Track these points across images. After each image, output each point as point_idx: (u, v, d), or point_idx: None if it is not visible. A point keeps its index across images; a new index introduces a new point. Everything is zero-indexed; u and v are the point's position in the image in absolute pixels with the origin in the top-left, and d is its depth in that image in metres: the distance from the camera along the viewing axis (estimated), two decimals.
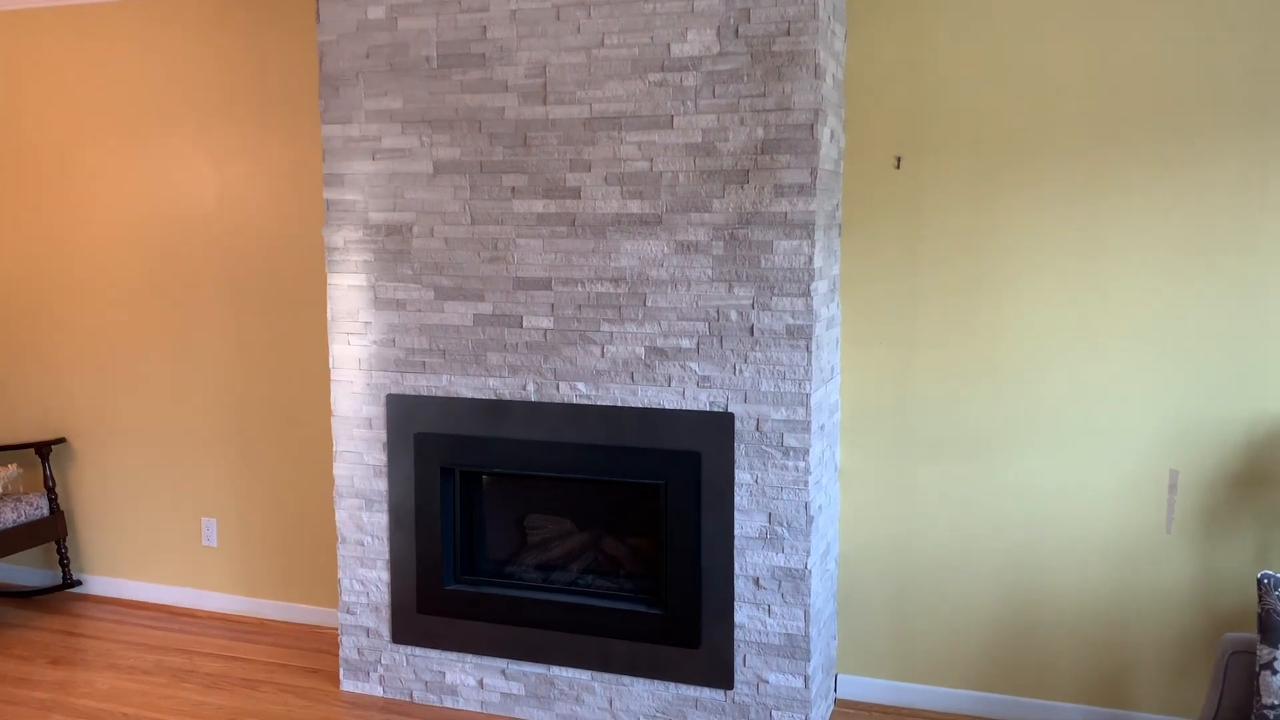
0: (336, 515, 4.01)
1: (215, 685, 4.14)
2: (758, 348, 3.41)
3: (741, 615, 3.54)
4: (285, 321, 4.60)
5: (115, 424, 4.96)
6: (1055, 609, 3.71)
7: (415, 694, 3.98)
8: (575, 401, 3.64)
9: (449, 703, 3.93)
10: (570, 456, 3.66)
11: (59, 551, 5.01)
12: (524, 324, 3.68)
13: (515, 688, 3.85)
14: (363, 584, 4.01)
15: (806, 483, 3.42)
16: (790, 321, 3.37)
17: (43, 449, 4.96)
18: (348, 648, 4.07)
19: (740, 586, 3.52)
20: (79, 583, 5.08)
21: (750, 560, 3.50)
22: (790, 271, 3.36)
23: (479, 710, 3.90)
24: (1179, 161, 3.46)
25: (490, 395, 3.75)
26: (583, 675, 3.75)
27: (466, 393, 3.78)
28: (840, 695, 3.96)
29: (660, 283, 3.50)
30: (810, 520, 3.44)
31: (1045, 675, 3.75)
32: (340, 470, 3.99)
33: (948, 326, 3.72)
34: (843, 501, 3.90)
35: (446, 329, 3.78)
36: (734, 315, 3.43)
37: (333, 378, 3.96)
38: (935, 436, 3.77)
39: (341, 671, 4.09)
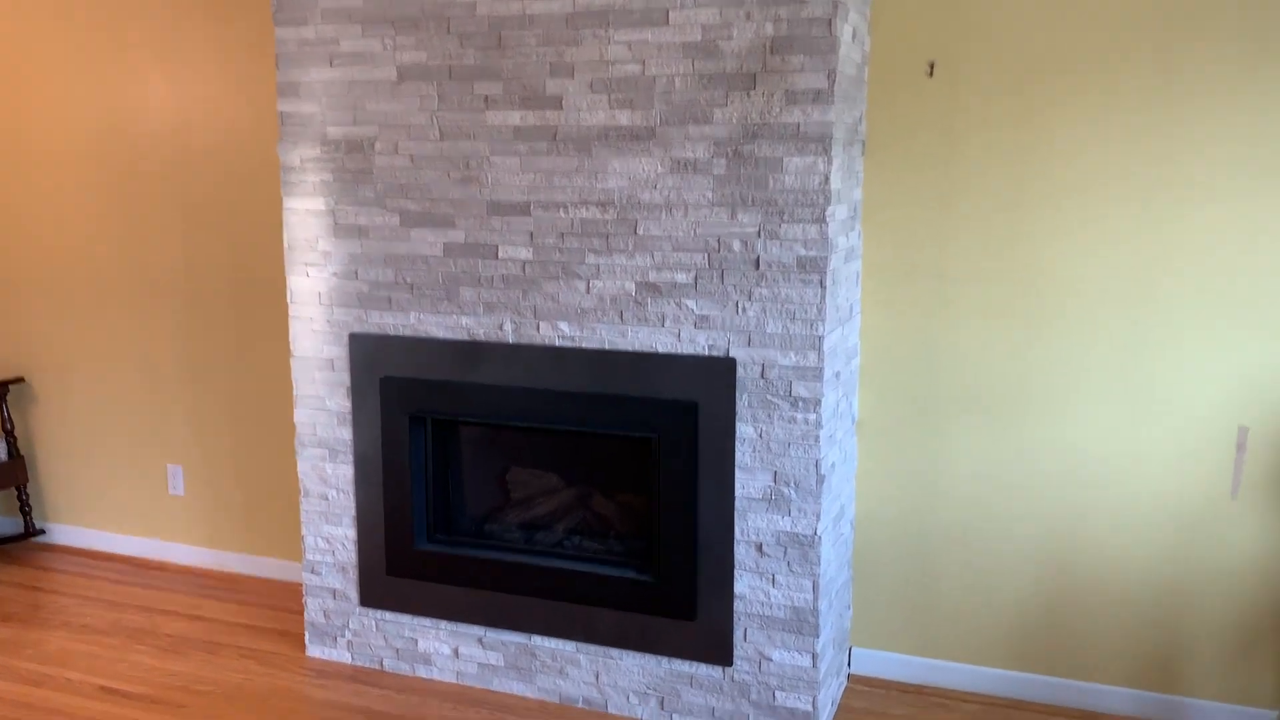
0: (298, 466, 3.63)
1: (173, 648, 3.80)
2: (764, 283, 2.96)
3: (742, 585, 3.13)
4: (247, 251, 4.18)
5: (76, 362, 4.59)
6: (1100, 581, 3.28)
7: (386, 662, 3.62)
8: (558, 344, 3.21)
9: (422, 672, 3.57)
10: (552, 405, 3.24)
11: (20, 498, 4.68)
12: (500, 255, 3.24)
13: (494, 658, 3.48)
14: (328, 542, 3.64)
15: (818, 438, 2.98)
16: (802, 253, 2.91)
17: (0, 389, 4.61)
18: (313, 610, 3.71)
19: (741, 553, 3.11)
20: (41, 532, 4.75)
21: (753, 524, 3.09)
22: (803, 194, 2.88)
23: (454, 681, 3.54)
24: (1270, 67, 2.93)
25: (463, 335, 3.32)
26: (567, 646, 3.38)
27: (437, 332, 3.36)
28: (854, 670, 3.57)
29: (653, 207, 3.04)
30: (821, 480, 3.01)
31: (1087, 654, 3.33)
32: (301, 417, 3.60)
33: (986, 262, 3.24)
34: (860, 458, 3.46)
35: (414, 260, 3.34)
36: (737, 245, 2.97)
37: (291, 314, 3.55)
38: (968, 387, 3.31)
39: (307, 636, 3.73)
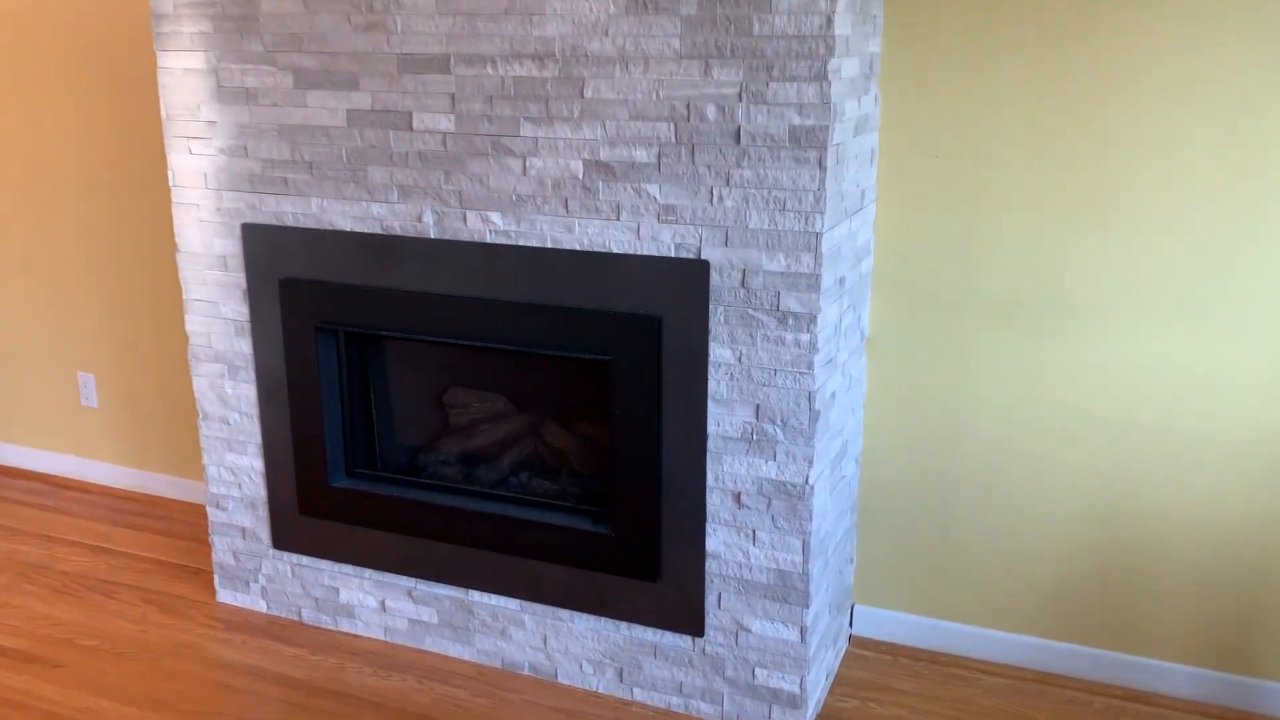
0: (194, 383, 3.02)
1: (65, 589, 3.28)
2: (746, 163, 2.26)
3: (716, 542, 2.52)
4: (150, 127, 3.50)
5: None
6: (1160, 537, 2.64)
7: (304, 613, 3.08)
8: (489, 240, 2.55)
9: (345, 625, 3.03)
10: (483, 318, 2.59)
11: None
12: (414, 124, 2.55)
13: (426, 614, 2.92)
14: (232, 473, 3.06)
15: (811, 364, 2.32)
16: (796, 122, 2.20)
17: None
18: (221, 550, 3.16)
19: (715, 503, 2.50)
20: None
21: (729, 469, 2.46)
22: (798, 42, 2.16)
23: (381, 638, 2.99)
24: None
25: (375, 228, 2.66)
26: (510, 604, 2.81)
27: (344, 223, 2.69)
28: (857, 632, 2.99)
29: (604, 61, 2.33)
30: (816, 417, 2.37)
31: (1138, 624, 2.72)
32: (193, 325, 2.97)
33: (1037, 139, 2.51)
34: (870, 381, 2.81)
35: (312, 131, 2.66)
36: (712, 112, 2.26)
37: (173, 200, 2.89)
38: (1007, 295, 2.63)
39: (216, 580, 3.19)
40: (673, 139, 2.31)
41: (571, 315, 2.49)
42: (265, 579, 3.10)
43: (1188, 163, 2.42)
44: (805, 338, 2.31)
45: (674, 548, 2.56)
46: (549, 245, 2.49)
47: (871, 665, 2.88)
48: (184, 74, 2.77)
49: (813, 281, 2.27)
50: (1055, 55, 2.45)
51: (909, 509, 2.86)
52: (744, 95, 2.23)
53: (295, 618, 3.09)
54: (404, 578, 2.91)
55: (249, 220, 2.80)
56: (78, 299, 3.82)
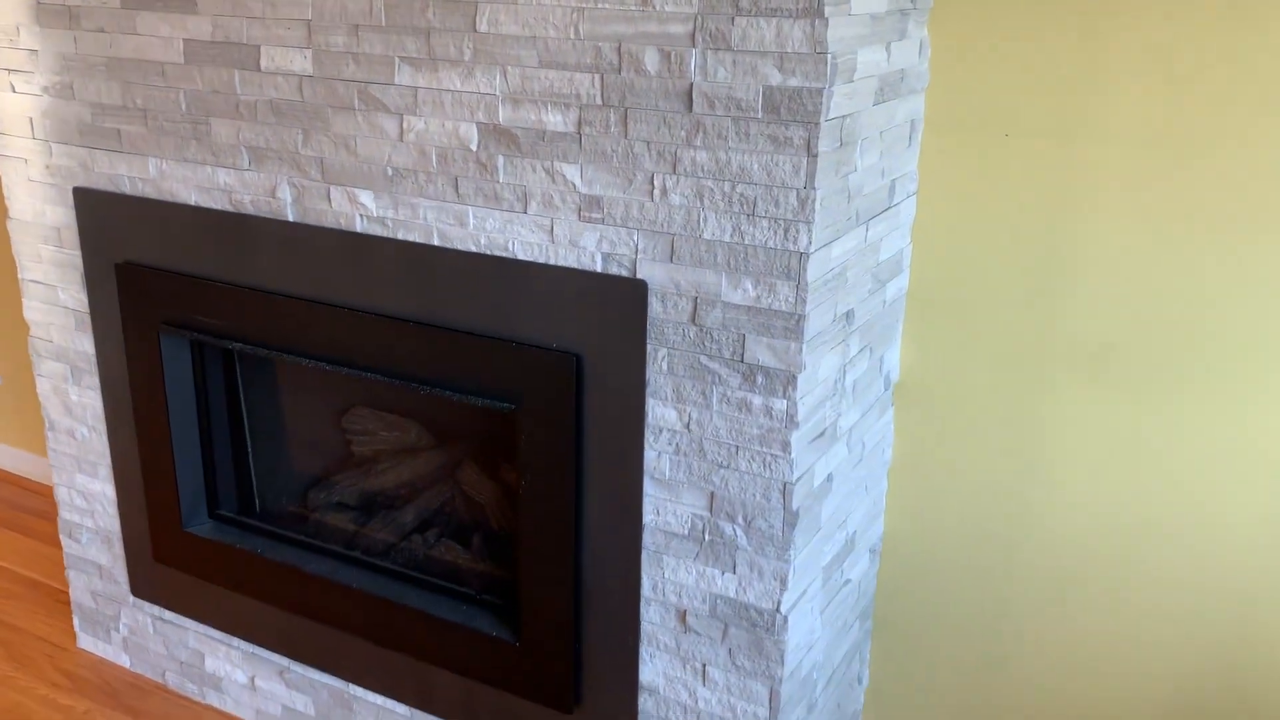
0: (37, 385, 2.39)
1: None
2: (701, 139, 1.48)
3: (653, 672, 1.79)
4: None
5: None
6: None
7: (169, 675, 2.45)
8: (359, 228, 1.82)
9: (213, 699, 2.39)
10: (354, 332, 1.88)
11: None
12: (264, 63, 1.82)
13: (301, 702, 2.26)
14: (84, 498, 2.42)
15: (788, 444, 1.56)
16: (775, 80, 1.41)
17: None
18: (78, 589, 2.54)
19: (653, 620, 1.76)
20: None
21: (672, 576, 1.72)
22: None
23: None
24: None
25: (224, 203, 1.96)
26: (398, 709, 2.13)
27: (187, 194, 2.00)
28: None
29: None
30: (793, 520, 1.61)
31: None
32: (32, 314, 2.33)
33: (1161, 114, 1.67)
34: (898, 442, 2.02)
35: (146, 68, 1.95)
36: (652, 60, 1.48)
37: None
38: (1100, 337, 1.80)
39: (76, 622, 2.58)
40: (598, 99, 1.54)
41: (465, 342, 1.76)
42: (126, 629, 2.48)
43: None
44: (780, 405, 1.54)
45: (597, 672, 1.84)
46: (435, 242, 1.75)
47: None
48: None
49: (793, 324, 1.50)
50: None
51: (945, 617, 2.08)
52: (698, 37, 1.44)
53: (160, 680, 2.47)
54: (276, 655, 2.26)
55: (81, 184, 2.12)
56: None
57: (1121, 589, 1.91)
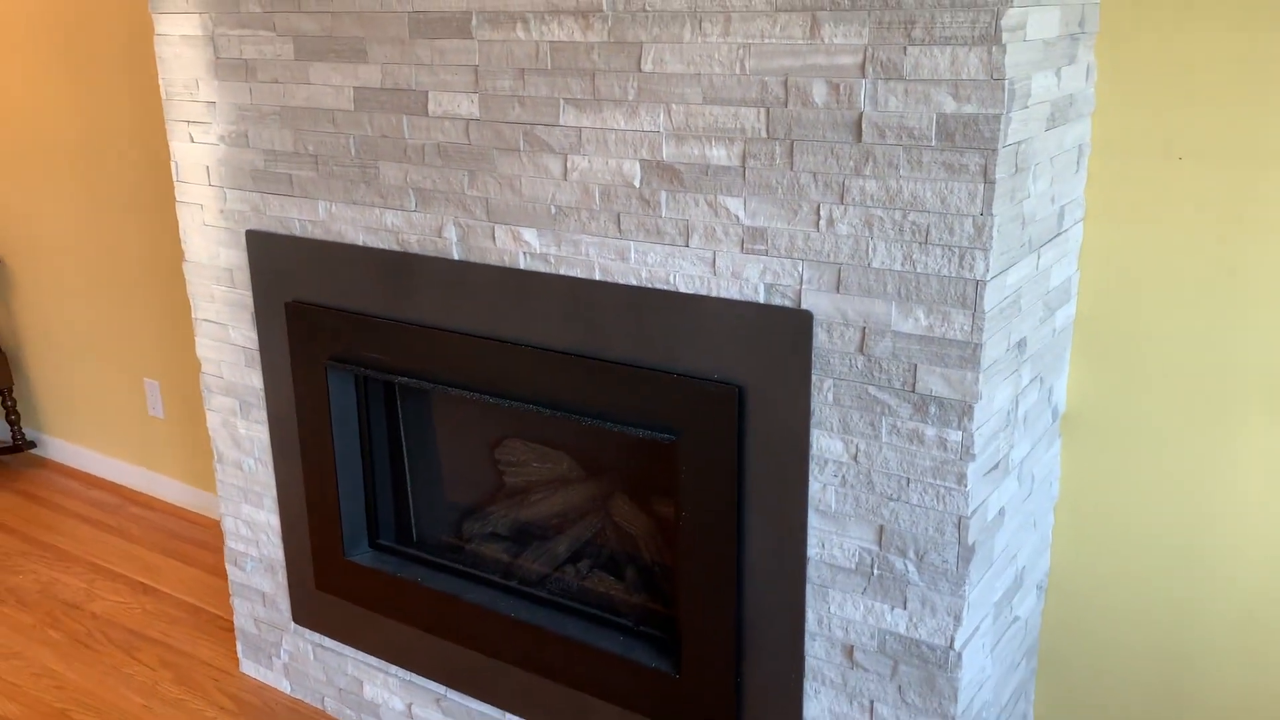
0: (208, 419, 2.50)
1: (87, 639, 2.86)
2: (871, 169, 1.48)
3: (819, 708, 1.77)
4: None
5: (53, 241, 3.63)
6: None
7: (328, 702, 2.52)
8: (523, 264, 1.87)
9: None
10: (515, 366, 1.92)
11: (4, 403, 3.84)
12: (431, 107, 1.89)
13: None
14: (249, 527, 2.52)
15: (964, 476, 1.53)
16: (950, 108, 1.40)
17: None
18: (242, 616, 2.64)
19: (818, 655, 1.74)
20: (32, 445, 3.93)
21: (839, 611, 1.70)
22: None
23: None
24: None
25: (390, 243, 2.03)
26: None
27: (355, 234, 2.08)
28: None
29: (669, 18, 1.59)
30: (969, 554, 1.57)
31: None
32: (204, 350, 2.45)
33: None
34: (1065, 476, 1.96)
35: (317, 115, 2.05)
36: (820, 93, 1.49)
37: (177, 197, 2.36)
38: None
39: (239, 648, 2.68)
40: (763, 132, 1.55)
41: (625, 373, 1.78)
42: (288, 655, 2.57)
43: None
44: (955, 436, 1.51)
45: (759, 707, 1.82)
46: (597, 276, 1.78)
47: None
48: (180, 42, 2.21)
49: (969, 353, 1.47)
50: None
51: (1114, 658, 2.00)
52: (868, 67, 1.44)
53: (319, 705, 2.54)
54: (433, 683, 2.30)
55: (254, 226, 2.23)
56: (143, 299, 3.40)
57: None
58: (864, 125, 1.47)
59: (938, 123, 1.41)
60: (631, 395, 1.78)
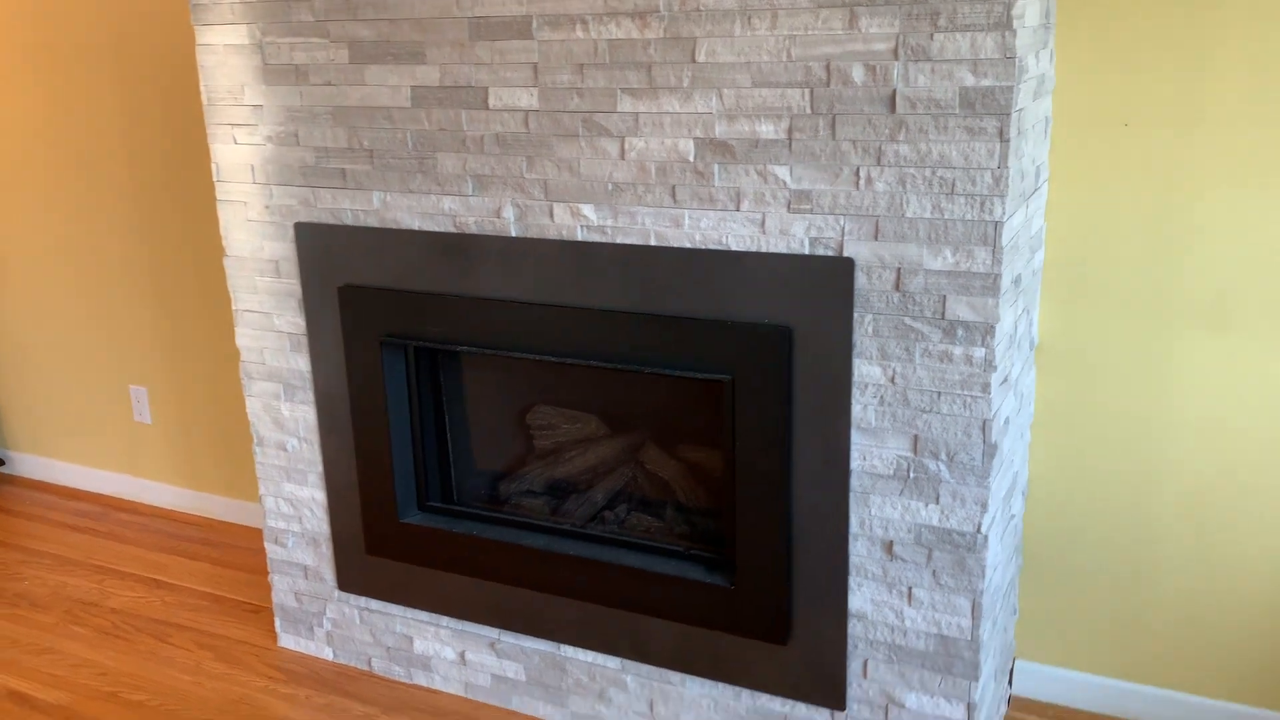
0: (247, 405, 2.66)
1: (115, 631, 2.96)
2: (904, 136, 1.80)
3: (861, 599, 2.08)
4: (194, 113, 3.15)
5: (28, 253, 3.67)
6: None
7: (375, 662, 2.71)
8: (580, 237, 2.13)
9: (420, 679, 2.65)
10: (574, 328, 2.17)
11: None
12: (491, 102, 2.13)
13: (511, 669, 2.53)
14: (292, 505, 2.69)
15: (988, 385, 1.87)
16: (970, 82, 1.74)
17: None
18: (282, 591, 2.80)
19: (860, 553, 2.05)
20: (1, 461, 3.94)
21: (879, 513, 2.02)
22: None
23: (462, 694, 2.61)
24: None
25: (447, 226, 2.26)
26: (610, 662, 2.40)
27: (410, 220, 2.30)
28: (1017, 691, 2.52)
29: (721, 15, 1.89)
30: (992, 450, 1.91)
31: None
32: (244, 340, 2.61)
33: (1267, 99, 2.01)
34: (1040, 398, 2.33)
35: (372, 114, 2.26)
36: (859, 74, 1.81)
37: (218, 196, 2.52)
38: (1217, 294, 2.13)
39: (278, 623, 2.84)
40: (808, 109, 1.86)
41: (681, 326, 2.06)
42: (330, 624, 2.74)
43: None
44: (979, 353, 1.85)
45: (808, 605, 2.12)
46: (652, 243, 2.06)
47: None
48: (225, 51, 2.39)
49: (990, 282, 1.81)
50: None
51: (1086, 551, 2.38)
52: (901, 51, 1.77)
53: (365, 667, 2.73)
54: (486, 628, 2.52)
55: (303, 219, 2.42)
56: (127, 306, 3.50)
57: (1245, 509, 2.21)
58: (897, 99, 1.79)
59: (960, 95, 1.75)
60: (688, 344, 2.06)
